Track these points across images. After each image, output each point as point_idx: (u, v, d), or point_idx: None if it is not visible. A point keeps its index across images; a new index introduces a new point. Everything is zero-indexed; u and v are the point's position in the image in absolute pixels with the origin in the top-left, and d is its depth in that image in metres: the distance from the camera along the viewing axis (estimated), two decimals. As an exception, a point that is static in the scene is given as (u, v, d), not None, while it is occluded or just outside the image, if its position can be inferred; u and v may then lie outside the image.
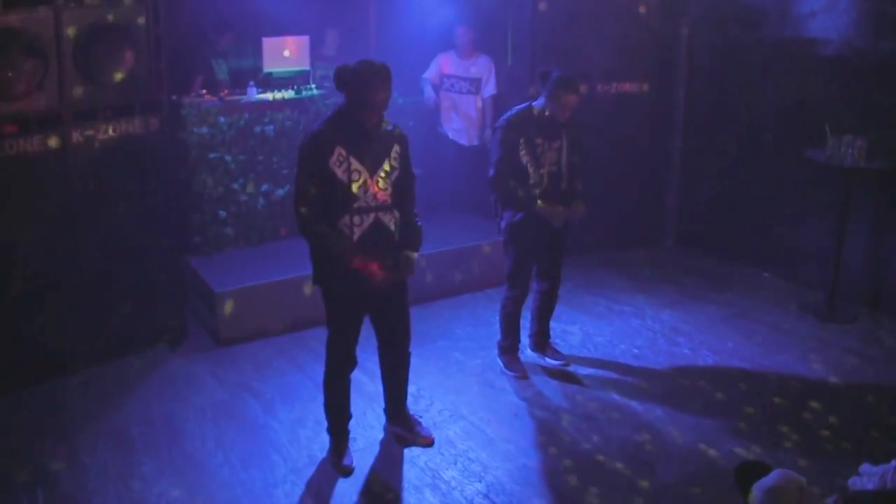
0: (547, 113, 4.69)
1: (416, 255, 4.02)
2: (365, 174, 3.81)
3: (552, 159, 4.74)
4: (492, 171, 4.76)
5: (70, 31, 4.62)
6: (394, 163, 3.91)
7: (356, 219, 3.82)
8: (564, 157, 4.77)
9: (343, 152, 3.77)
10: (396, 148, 3.93)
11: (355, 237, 3.82)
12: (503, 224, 4.87)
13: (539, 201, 4.70)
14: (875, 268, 6.04)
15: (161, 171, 5.21)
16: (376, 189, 3.84)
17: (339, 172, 3.76)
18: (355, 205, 3.80)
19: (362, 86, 3.73)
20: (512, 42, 6.86)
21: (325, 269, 3.94)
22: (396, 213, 3.96)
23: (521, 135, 4.69)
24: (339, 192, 3.78)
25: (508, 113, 4.80)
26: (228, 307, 5.43)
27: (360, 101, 3.76)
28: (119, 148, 4.97)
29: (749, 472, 3.00)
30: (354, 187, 3.79)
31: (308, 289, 5.57)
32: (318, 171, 3.75)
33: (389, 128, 3.96)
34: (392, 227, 3.94)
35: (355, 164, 3.79)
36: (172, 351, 5.36)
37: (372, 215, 3.85)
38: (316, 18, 7.21)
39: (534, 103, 4.77)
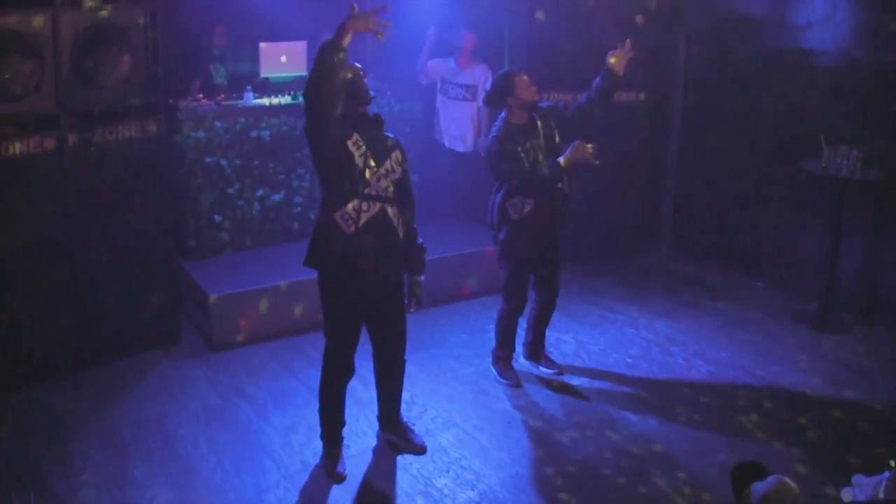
0: (519, 109, 4.70)
1: (422, 278, 4.22)
2: (375, 165, 3.90)
3: (544, 155, 4.73)
4: (515, 180, 4.65)
5: (68, 34, 4.61)
6: (394, 165, 4.00)
7: (364, 205, 3.87)
8: (543, 145, 4.73)
9: (358, 138, 3.87)
10: (396, 153, 4.02)
11: (361, 222, 3.86)
12: (501, 237, 4.86)
13: (562, 160, 4.59)
14: (869, 278, 6.05)
15: (157, 175, 5.20)
16: (385, 183, 3.92)
17: (357, 155, 3.85)
18: (366, 190, 3.87)
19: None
20: (509, 52, 6.88)
21: (323, 256, 3.96)
22: (400, 213, 4.02)
23: (514, 144, 4.68)
24: (354, 174, 3.84)
25: (493, 130, 4.78)
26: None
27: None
28: (115, 151, 4.96)
29: (745, 474, 3.00)
30: (368, 173, 3.87)
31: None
32: (338, 144, 3.82)
33: (389, 135, 4.06)
34: (396, 224, 3.99)
35: (370, 153, 3.89)
36: (166, 355, 5.35)
37: (378, 205, 3.91)
38: (313, 24, 7.20)
39: (502, 116, 4.79)
